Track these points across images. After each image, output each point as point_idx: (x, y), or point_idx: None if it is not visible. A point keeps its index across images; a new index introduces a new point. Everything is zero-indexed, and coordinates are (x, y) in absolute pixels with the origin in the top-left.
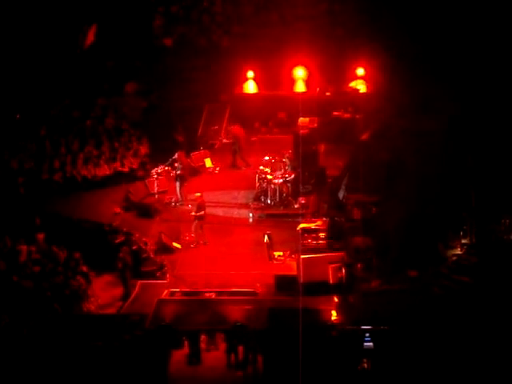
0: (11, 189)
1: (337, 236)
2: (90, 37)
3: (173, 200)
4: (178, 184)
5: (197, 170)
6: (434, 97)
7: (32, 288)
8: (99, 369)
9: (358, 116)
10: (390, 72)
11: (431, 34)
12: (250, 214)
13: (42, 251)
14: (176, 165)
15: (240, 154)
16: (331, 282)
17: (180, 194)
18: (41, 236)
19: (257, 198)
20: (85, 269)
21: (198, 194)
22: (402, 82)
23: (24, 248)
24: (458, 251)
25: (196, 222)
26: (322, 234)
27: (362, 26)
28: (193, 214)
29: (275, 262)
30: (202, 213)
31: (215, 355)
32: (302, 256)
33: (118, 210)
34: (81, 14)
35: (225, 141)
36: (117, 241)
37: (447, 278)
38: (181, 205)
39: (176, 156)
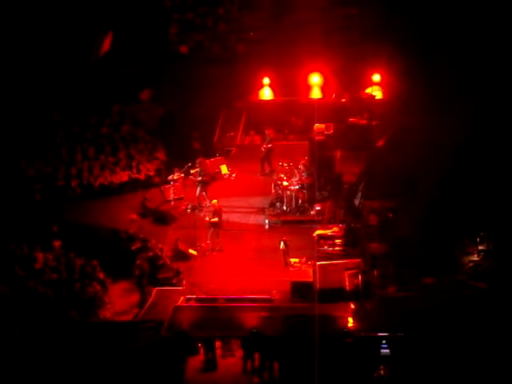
0: (28, 196)
1: (353, 242)
2: (106, 44)
3: (189, 207)
4: (198, 190)
5: (213, 177)
6: (454, 101)
7: (48, 295)
8: (116, 376)
9: (374, 122)
10: (407, 77)
11: (449, 38)
12: (266, 221)
13: (58, 258)
14: (196, 170)
15: (269, 159)
16: (347, 288)
17: (199, 200)
18: (57, 243)
19: (273, 205)
20: (101, 276)
21: (215, 201)
22: (419, 87)
23: (40, 255)
24: (475, 257)
25: (212, 228)
26: (338, 241)
27: (377, 32)
28: (207, 219)
29: (291, 268)
30: (218, 220)
31: (231, 362)
32: (318, 263)
33: (134, 216)
34: (96, 21)
35: (266, 147)
36: (133, 247)
37: (464, 284)
38: (199, 211)
39: (198, 163)
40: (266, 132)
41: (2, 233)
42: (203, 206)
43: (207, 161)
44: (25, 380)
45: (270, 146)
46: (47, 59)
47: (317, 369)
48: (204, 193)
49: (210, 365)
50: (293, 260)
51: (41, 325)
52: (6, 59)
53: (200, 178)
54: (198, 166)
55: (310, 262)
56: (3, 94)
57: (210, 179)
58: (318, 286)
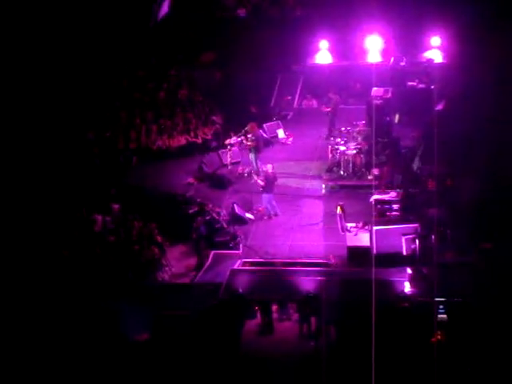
0: (87, 159)
1: (411, 207)
2: (165, 7)
3: (246, 171)
4: (252, 155)
5: (269, 141)
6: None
7: (106, 257)
8: (172, 338)
9: (433, 86)
10: (468, 42)
11: None
12: (323, 185)
13: (117, 221)
14: (249, 136)
15: (333, 123)
16: (404, 253)
17: (256, 165)
18: (116, 206)
19: (329, 170)
20: (159, 239)
21: (269, 166)
22: (480, 51)
23: (99, 218)
24: None
25: (265, 193)
26: (395, 206)
27: None
28: (259, 182)
29: (348, 233)
30: (265, 184)
31: (288, 326)
32: (375, 227)
33: (191, 180)
34: None
35: (325, 109)
36: (191, 211)
37: None
38: (256, 175)
39: (248, 127)
40: (330, 95)
41: (61, 196)
42: (260, 171)
43: (265, 125)
44: (82, 342)
45: (329, 109)
46: (106, 24)
47: (373, 333)
48: (255, 158)
49: (267, 328)
50: (349, 225)
51: (99, 288)
52: (65, 26)
53: (249, 143)
54: (248, 130)
55: (366, 227)
56: (64, 58)
57: (261, 144)
58: (374, 250)
